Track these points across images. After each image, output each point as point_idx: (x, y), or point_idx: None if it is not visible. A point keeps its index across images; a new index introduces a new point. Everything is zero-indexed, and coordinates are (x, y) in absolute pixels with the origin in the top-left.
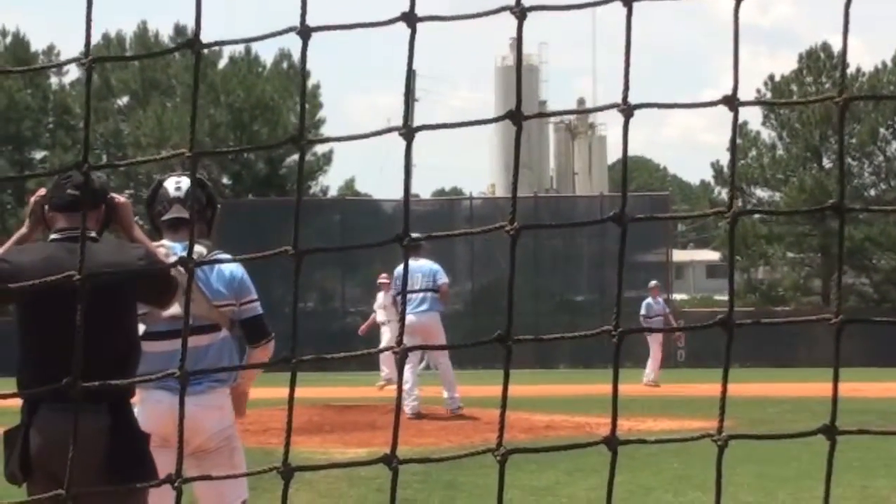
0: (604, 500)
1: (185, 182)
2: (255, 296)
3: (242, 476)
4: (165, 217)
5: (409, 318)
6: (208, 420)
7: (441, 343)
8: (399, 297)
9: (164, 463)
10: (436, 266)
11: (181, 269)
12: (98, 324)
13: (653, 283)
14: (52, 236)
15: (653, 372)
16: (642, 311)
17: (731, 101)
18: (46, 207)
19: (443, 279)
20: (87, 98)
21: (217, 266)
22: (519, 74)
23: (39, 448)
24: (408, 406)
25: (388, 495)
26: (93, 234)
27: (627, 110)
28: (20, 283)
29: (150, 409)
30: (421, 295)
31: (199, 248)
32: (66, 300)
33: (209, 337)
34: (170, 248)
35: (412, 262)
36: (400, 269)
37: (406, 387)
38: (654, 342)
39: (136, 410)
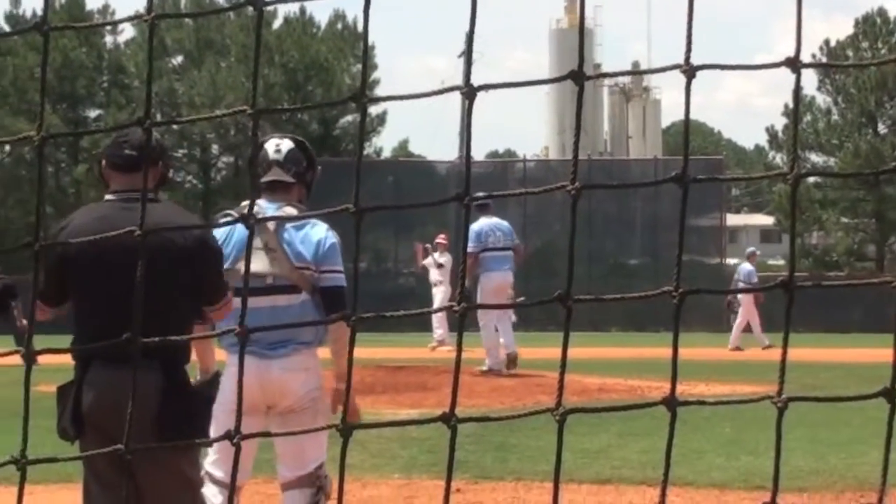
0: (655, 463)
1: (286, 144)
2: (339, 266)
3: (310, 432)
4: (264, 179)
5: (498, 274)
6: (294, 382)
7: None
8: (482, 253)
9: (249, 426)
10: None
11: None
12: (153, 283)
13: (750, 249)
14: (108, 196)
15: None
16: (739, 277)
17: (794, 63)
18: (103, 164)
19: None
20: (150, 55)
21: (307, 229)
22: (582, 33)
23: (91, 404)
24: (495, 362)
25: (439, 456)
26: (151, 195)
27: (689, 71)
28: (75, 243)
29: (234, 374)
30: (505, 253)
31: (291, 210)
32: (120, 259)
33: (288, 298)
34: (263, 209)
35: (489, 220)
36: (478, 225)
37: (497, 341)
38: (746, 306)
39: (223, 376)
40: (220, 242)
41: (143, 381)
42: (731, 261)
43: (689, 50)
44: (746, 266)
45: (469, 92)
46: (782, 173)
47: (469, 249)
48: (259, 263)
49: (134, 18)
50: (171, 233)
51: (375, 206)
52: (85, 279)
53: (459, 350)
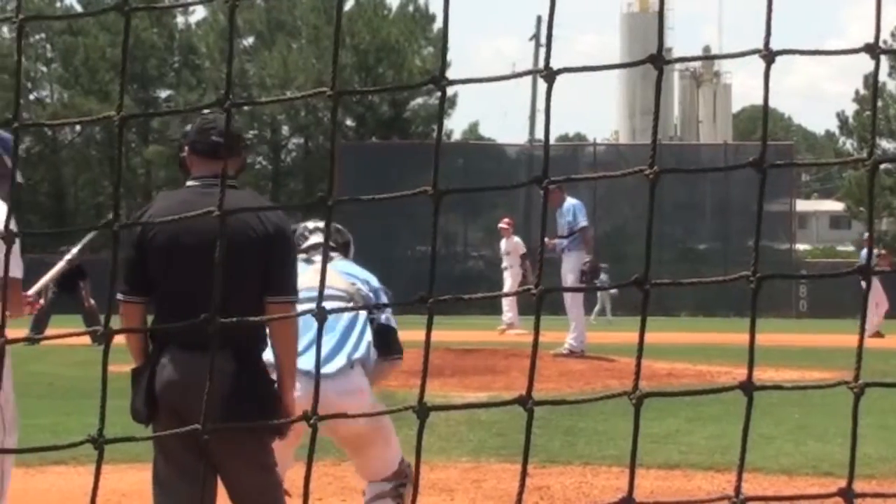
0: (723, 448)
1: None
2: (390, 311)
3: (380, 414)
4: (303, 245)
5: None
6: (350, 409)
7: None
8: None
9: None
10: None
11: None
12: (231, 269)
13: (867, 234)
14: (189, 182)
15: (872, 322)
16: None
17: (873, 49)
18: (186, 150)
19: (578, 221)
20: (231, 37)
21: (358, 267)
22: (662, 17)
23: (164, 386)
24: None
25: (507, 439)
26: (233, 182)
27: (769, 56)
28: (156, 232)
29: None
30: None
31: (336, 254)
32: (199, 244)
33: (339, 305)
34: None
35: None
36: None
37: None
38: (875, 291)
39: None
40: None
41: (217, 364)
42: (800, 246)
43: (768, 34)
44: (865, 250)
45: (548, 75)
46: (860, 159)
47: (585, 223)
48: (308, 278)
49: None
50: (249, 220)
51: (454, 189)
52: (165, 263)
53: (537, 333)
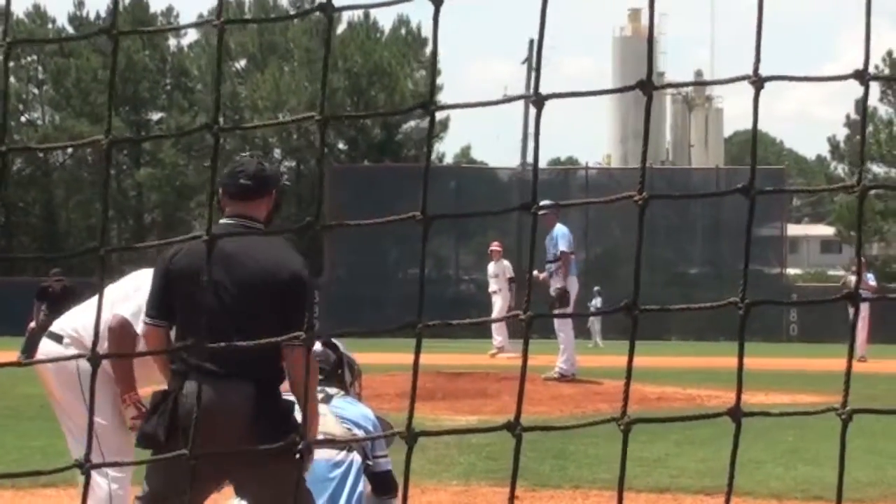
0: (713, 472)
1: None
2: (385, 450)
3: (371, 439)
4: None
5: (576, 280)
6: None
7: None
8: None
9: None
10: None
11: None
12: (248, 309)
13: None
14: (222, 221)
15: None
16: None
17: (862, 76)
18: (220, 191)
19: (559, 247)
20: (219, 60)
21: (356, 407)
22: (651, 43)
23: (186, 413)
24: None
25: (498, 463)
26: (259, 226)
27: (758, 83)
28: (181, 262)
29: None
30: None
31: (330, 391)
32: (222, 281)
33: (338, 454)
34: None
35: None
36: (565, 228)
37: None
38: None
39: None
40: None
41: (237, 394)
42: (791, 271)
43: (757, 60)
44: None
45: (537, 101)
46: (848, 186)
47: (566, 249)
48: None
49: (202, 24)
50: (267, 264)
51: (443, 215)
52: (188, 298)
53: (525, 357)
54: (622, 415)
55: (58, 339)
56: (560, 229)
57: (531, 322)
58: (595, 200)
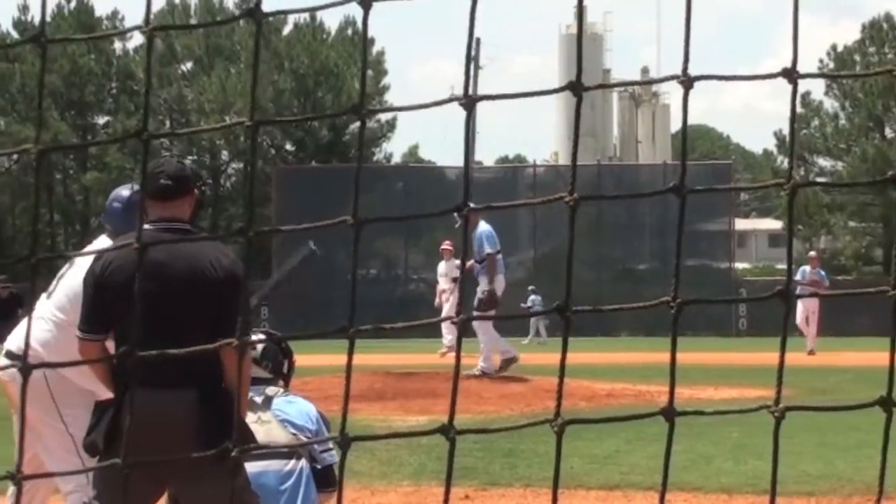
0: (663, 469)
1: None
2: (328, 444)
3: (302, 445)
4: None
5: (503, 278)
6: None
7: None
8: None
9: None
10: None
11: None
12: (184, 313)
13: (811, 253)
14: (146, 226)
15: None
16: (797, 276)
17: (790, 74)
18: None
19: (484, 248)
20: (148, 68)
21: (296, 405)
22: (580, 45)
23: (128, 424)
24: (487, 366)
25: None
26: (185, 225)
27: (687, 82)
28: (114, 274)
29: None
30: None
31: (270, 391)
32: (155, 287)
33: (282, 463)
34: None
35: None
36: (489, 227)
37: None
38: (812, 313)
39: None
40: None
41: (180, 402)
42: (739, 265)
43: (686, 60)
44: (806, 267)
45: (468, 103)
46: (779, 182)
47: (491, 250)
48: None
49: (134, 29)
50: (202, 265)
51: (374, 218)
52: (122, 306)
53: (458, 360)
54: (555, 416)
55: (17, 357)
56: (482, 229)
57: (466, 323)
58: (528, 202)
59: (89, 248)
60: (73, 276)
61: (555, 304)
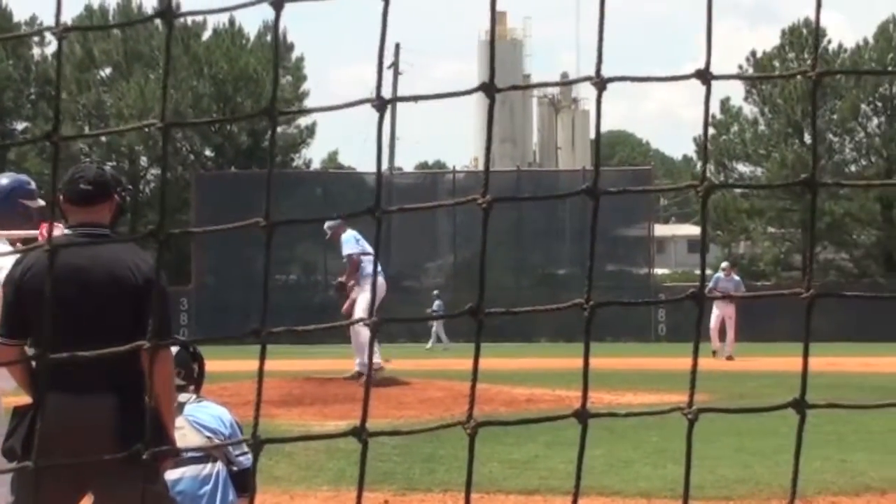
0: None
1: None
2: (244, 447)
3: (221, 445)
4: None
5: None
6: None
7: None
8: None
9: None
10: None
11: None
12: (102, 315)
13: (724, 263)
14: (65, 231)
15: (729, 345)
16: (710, 285)
17: (704, 75)
18: (62, 199)
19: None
20: (59, 68)
21: (209, 409)
22: (492, 46)
23: (45, 429)
24: (361, 369)
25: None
26: (105, 230)
27: (600, 83)
28: (33, 279)
29: None
30: None
31: (182, 398)
32: (72, 292)
33: (199, 469)
34: None
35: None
36: (352, 231)
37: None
38: (728, 318)
39: None
40: None
41: (98, 406)
42: (659, 270)
43: (599, 62)
44: (719, 274)
45: (380, 105)
46: (692, 185)
47: (350, 252)
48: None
49: (45, 30)
50: (120, 270)
51: (286, 220)
52: (41, 312)
53: (370, 364)
54: (468, 419)
55: None
56: (345, 236)
57: (378, 327)
58: (440, 204)
59: None
60: None
61: (467, 306)
